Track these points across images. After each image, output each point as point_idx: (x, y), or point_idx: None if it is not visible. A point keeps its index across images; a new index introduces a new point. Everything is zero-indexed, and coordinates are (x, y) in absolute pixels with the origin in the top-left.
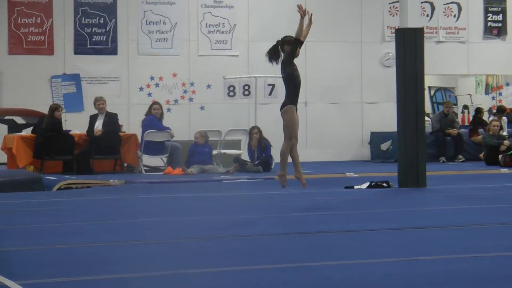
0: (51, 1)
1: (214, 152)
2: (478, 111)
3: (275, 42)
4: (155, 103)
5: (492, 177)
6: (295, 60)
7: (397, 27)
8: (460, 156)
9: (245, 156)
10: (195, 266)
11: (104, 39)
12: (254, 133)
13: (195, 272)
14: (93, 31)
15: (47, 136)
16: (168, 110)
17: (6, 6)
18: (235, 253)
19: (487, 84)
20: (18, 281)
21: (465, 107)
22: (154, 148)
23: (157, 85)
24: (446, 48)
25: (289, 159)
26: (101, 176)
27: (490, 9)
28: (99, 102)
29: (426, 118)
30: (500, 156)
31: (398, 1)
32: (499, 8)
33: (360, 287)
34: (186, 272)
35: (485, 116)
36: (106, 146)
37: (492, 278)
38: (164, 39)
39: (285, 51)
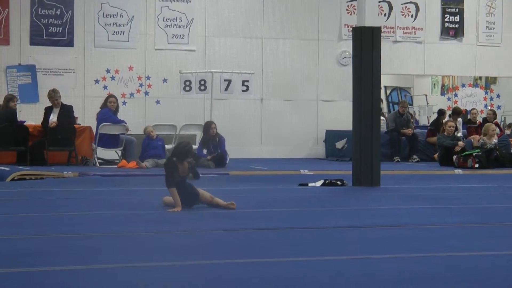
0: None
1: (169, 146)
2: (441, 112)
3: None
4: (111, 96)
5: (445, 178)
6: None
7: (354, 26)
8: (414, 156)
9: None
10: (144, 260)
11: (60, 31)
12: (213, 127)
13: (146, 266)
14: (49, 22)
15: (1, 127)
16: (124, 103)
17: None
18: (185, 248)
19: (443, 85)
20: None
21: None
22: (108, 141)
23: (113, 78)
24: (402, 48)
25: None
26: (55, 168)
27: (447, 10)
28: (53, 97)
29: (381, 118)
30: (454, 157)
31: (355, 0)
32: (457, 9)
33: (310, 285)
34: (136, 265)
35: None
36: (60, 138)
37: (441, 278)
38: (121, 32)
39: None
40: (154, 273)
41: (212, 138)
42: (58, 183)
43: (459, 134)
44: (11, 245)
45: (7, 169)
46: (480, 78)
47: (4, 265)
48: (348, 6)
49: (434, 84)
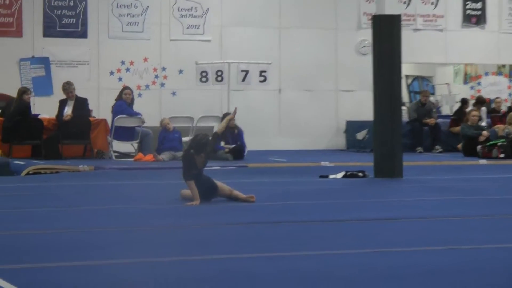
0: None
1: (186, 138)
2: (464, 101)
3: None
4: (126, 88)
5: (470, 168)
6: None
7: (373, 14)
8: (437, 147)
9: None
10: (162, 255)
11: (74, 22)
12: (232, 118)
13: (163, 261)
14: (62, 13)
15: (15, 120)
16: (139, 95)
17: None
18: (204, 242)
19: (465, 74)
20: None
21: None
22: (124, 133)
23: (128, 69)
24: (423, 36)
25: None
26: (70, 162)
27: None
28: (68, 90)
29: (403, 107)
30: (478, 147)
31: None
32: None
33: (333, 278)
34: (153, 260)
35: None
36: (75, 131)
37: (465, 270)
38: (135, 22)
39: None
40: (171, 267)
41: (230, 130)
42: (73, 177)
43: (483, 124)
44: (28, 240)
45: (22, 163)
46: (504, 66)
47: (21, 260)
48: None
49: (456, 72)
